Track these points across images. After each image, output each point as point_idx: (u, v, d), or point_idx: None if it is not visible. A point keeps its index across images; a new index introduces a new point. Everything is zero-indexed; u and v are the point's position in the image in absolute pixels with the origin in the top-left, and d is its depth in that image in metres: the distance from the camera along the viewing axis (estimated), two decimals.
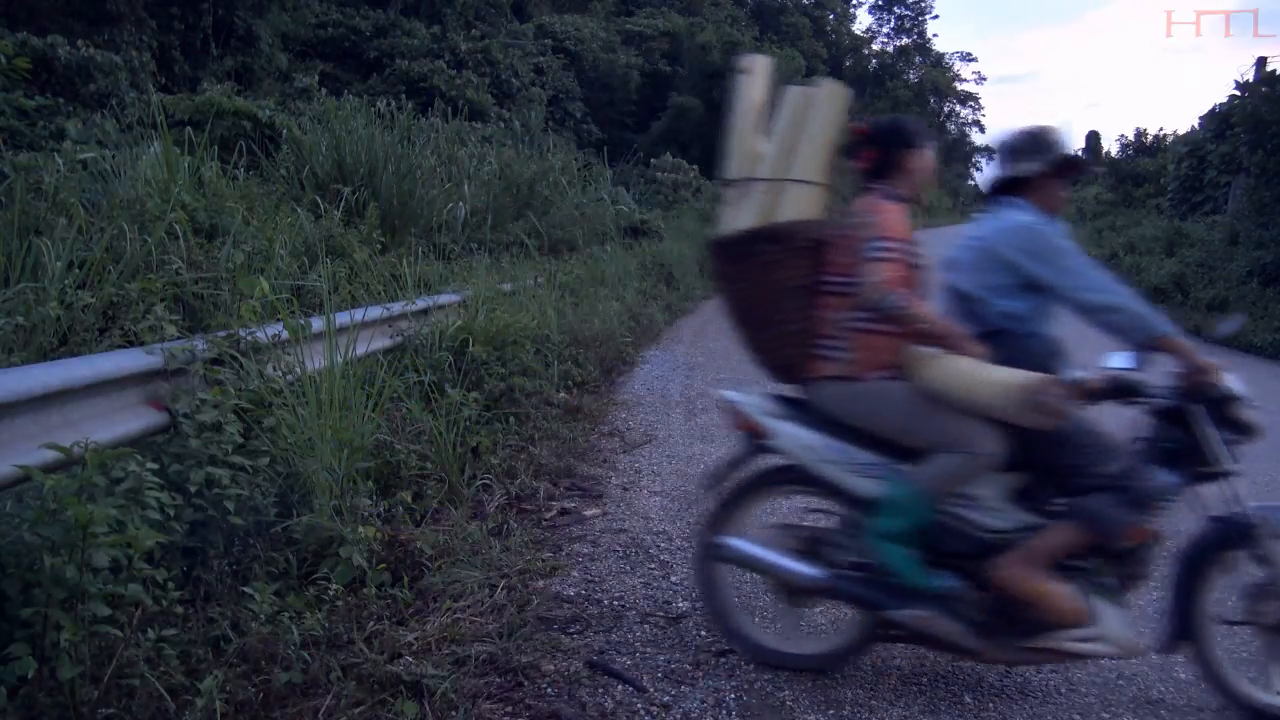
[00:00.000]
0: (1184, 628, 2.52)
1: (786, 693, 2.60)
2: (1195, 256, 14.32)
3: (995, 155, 2.70)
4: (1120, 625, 2.43)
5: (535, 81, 22.94)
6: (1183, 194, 19.59)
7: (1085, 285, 2.40)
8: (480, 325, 5.58)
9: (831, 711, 2.51)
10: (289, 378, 3.49)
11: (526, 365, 5.52)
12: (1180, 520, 2.60)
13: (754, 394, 2.70)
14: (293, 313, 4.11)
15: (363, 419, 3.55)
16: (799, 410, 2.62)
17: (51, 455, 2.30)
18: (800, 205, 2.56)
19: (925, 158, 2.61)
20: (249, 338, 3.46)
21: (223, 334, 3.43)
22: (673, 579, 3.37)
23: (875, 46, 60.18)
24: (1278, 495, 4.54)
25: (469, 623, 2.79)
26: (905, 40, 61.55)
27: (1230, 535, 2.48)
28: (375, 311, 4.77)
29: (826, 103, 2.62)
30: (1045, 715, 2.55)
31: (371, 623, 2.64)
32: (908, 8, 61.19)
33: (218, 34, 15.12)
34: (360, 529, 2.97)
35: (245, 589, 2.56)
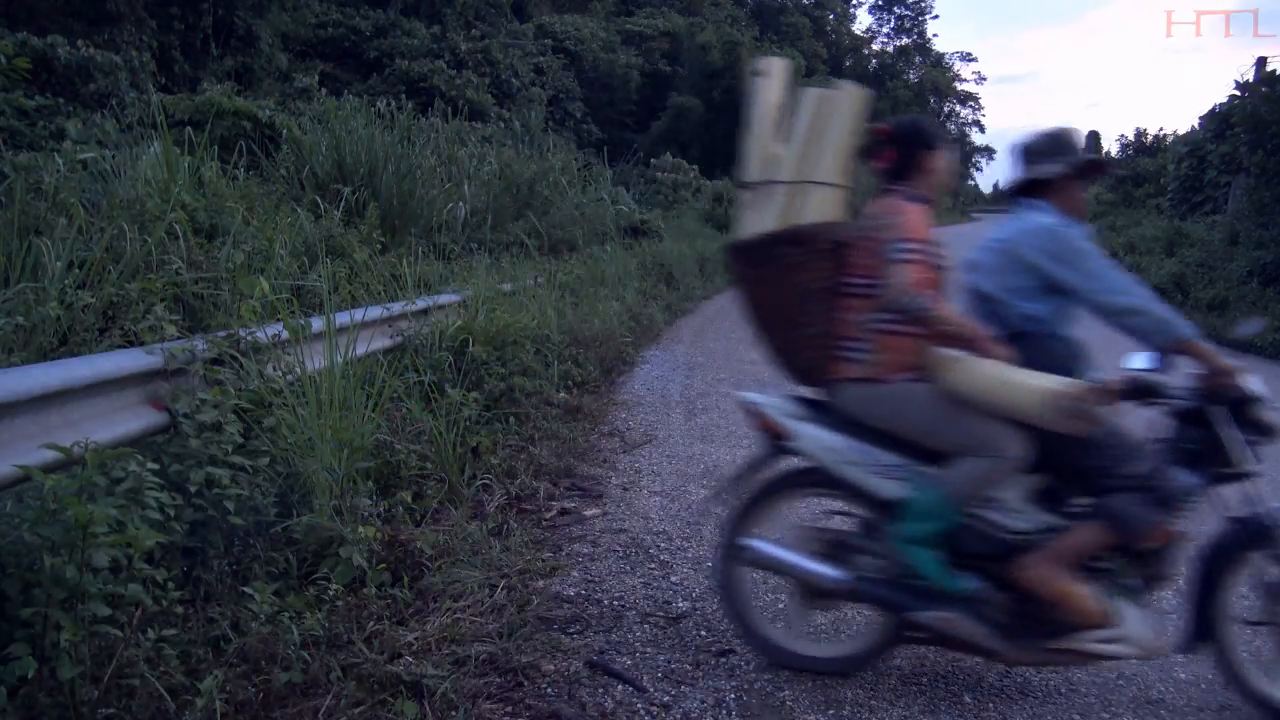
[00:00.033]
0: (1204, 628, 2.52)
1: (786, 693, 2.60)
2: (1195, 256, 14.33)
3: (1015, 157, 2.68)
4: (1142, 626, 2.42)
5: (535, 81, 22.96)
6: (1183, 194, 19.61)
7: (1107, 288, 2.40)
8: (480, 325, 5.58)
9: (831, 711, 2.51)
10: (289, 378, 3.49)
11: (526, 365, 5.52)
12: (1201, 521, 2.59)
13: (775, 396, 2.69)
14: (293, 313, 4.11)
15: (363, 419, 3.55)
16: (820, 412, 2.61)
17: (51, 455, 2.30)
18: (821, 207, 2.54)
19: (944, 158, 2.60)
20: (249, 338, 3.46)
21: (223, 334, 3.43)
22: (673, 579, 3.38)
23: (875, 46, 60.23)
24: None
25: (469, 623, 2.79)
26: (905, 40, 61.58)
27: (1251, 536, 2.48)
28: (375, 311, 4.77)
29: (846, 104, 2.61)
30: (1045, 715, 2.55)
31: (371, 623, 2.64)
32: (908, 8, 61.21)
33: (218, 34, 15.13)
34: (360, 529, 2.97)
35: (245, 589, 2.56)
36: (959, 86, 62.56)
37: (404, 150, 8.92)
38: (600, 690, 2.55)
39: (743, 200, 2.67)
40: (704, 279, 14.22)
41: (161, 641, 2.21)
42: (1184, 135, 23.54)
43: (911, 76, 57.94)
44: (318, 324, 3.92)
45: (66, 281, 3.69)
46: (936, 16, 76.87)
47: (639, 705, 2.48)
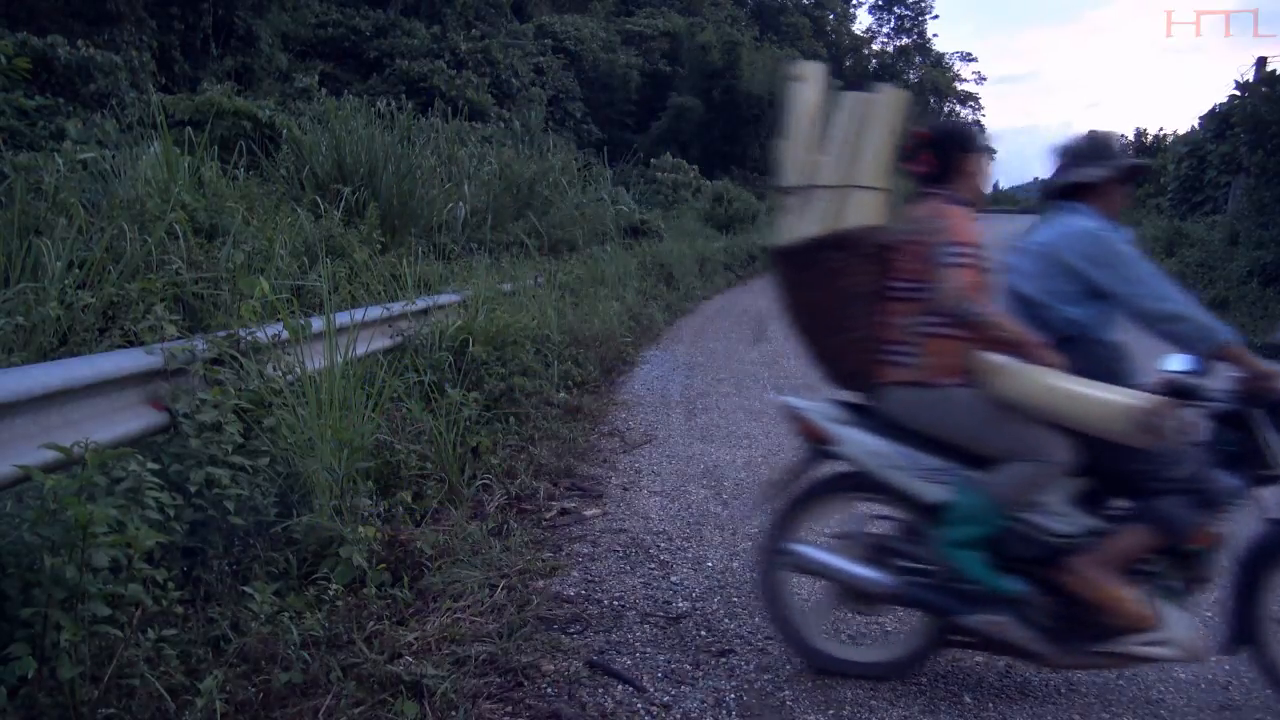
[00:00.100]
0: (1244, 630, 2.52)
1: (786, 693, 2.60)
2: (1195, 256, 14.33)
3: (1055, 160, 2.67)
4: (1185, 629, 2.42)
5: (535, 81, 22.96)
6: (1183, 194, 19.61)
7: (1149, 294, 2.39)
8: (480, 325, 5.57)
9: (831, 711, 2.51)
10: (289, 378, 3.49)
11: (526, 365, 5.52)
12: (1240, 523, 2.59)
13: (818, 400, 2.69)
14: (293, 313, 4.11)
15: (363, 419, 3.55)
16: (863, 416, 2.60)
17: (51, 455, 2.30)
18: (864, 210, 2.54)
19: (983, 161, 2.60)
20: (249, 338, 3.46)
21: (223, 334, 3.43)
22: (673, 579, 3.38)
23: (875, 46, 60.19)
24: None
25: (469, 623, 2.79)
26: (905, 40, 61.55)
27: None
28: (375, 311, 4.77)
29: (886, 107, 2.60)
30: (1045, 715, 2.55)
31: (371, 623, 2.64)
32: (908, 8, 61.18)
33: (218, 34, 15.13)
34: (360, 529, 2.97)
35: (245, 589, 2.56)
36: (959, 86, 62.53)
37: (404, 150, 8.91)
38: (600, 690, 2.55)
39: (782, 205, 2.65)
40: (704, 279, 14.21)
41: (161, 641, 2.22)
42: (1184, 135, 23.53)
43: (911, 76, 57.92)
44: (318, 324, 3.92)
45: (66, 281, 3.68)
46: (936, 16, 76.79)
47: (639, 705, 2.48)
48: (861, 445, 2.54)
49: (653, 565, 3.50)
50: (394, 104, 11.54)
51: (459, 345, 5.27)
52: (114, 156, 5.91)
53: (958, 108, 62.23)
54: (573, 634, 2.87)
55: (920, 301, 2.47)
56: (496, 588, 3.06)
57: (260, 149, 8.48)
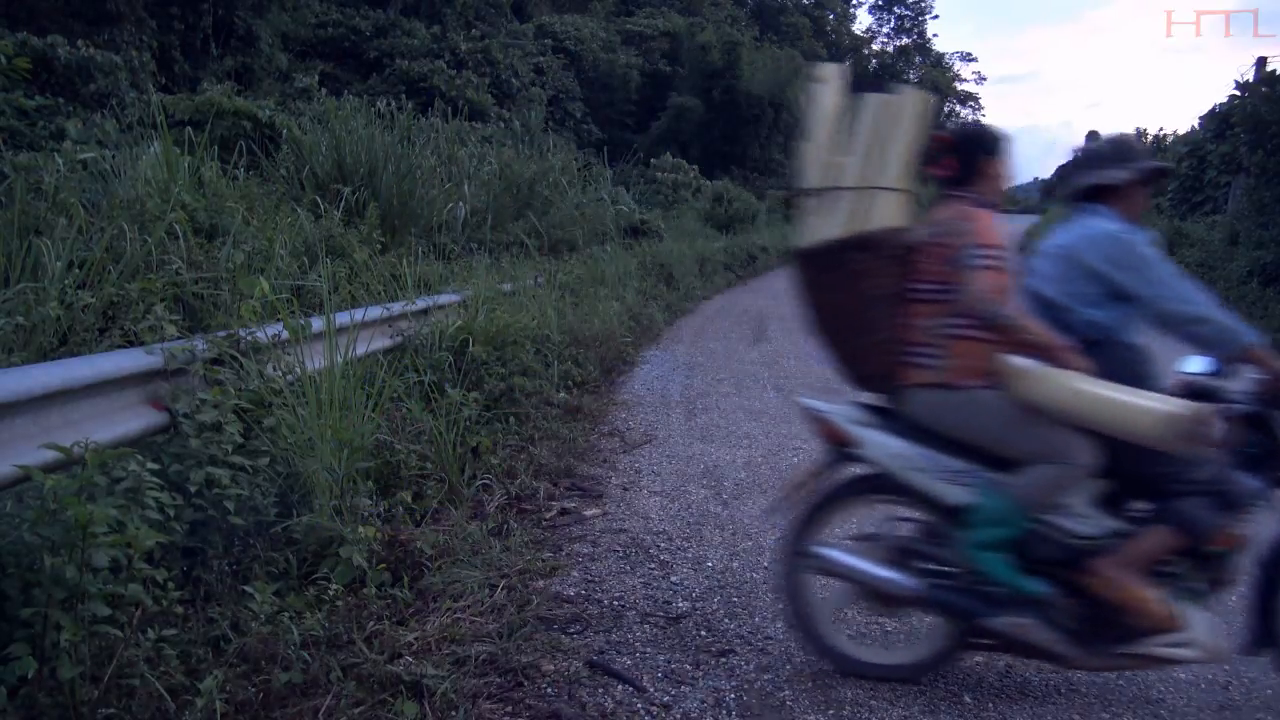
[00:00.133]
0: (1266, 632, 2.53)
1: (786, 693, 2.60)
2: (1195, 256, 14.33)
3: (1078, 162, 2.67)
4: (1208, 630, 2.43)
5: (535, 81, 22.95)
6: (1183, 194, 19.62)
7: (1173, 296, 2.39)
8: (480, 325, 5.57)
9: (831, 711, 2.51)
10: (289, 378, 3.49)
11: (526, 365, 5.52)
12: (1261, 524, 2.59)
13: (840, 403, 2.68)
14: (293, 313, 4.11)
15: (363, 419, 3.55)
16: (885, 418, 2.60)
17: (51, 455, 2.30)
18: (888, 212, 2.53)
19: (1005, 164, 2.60)
20: (249, 338, 3.46)
21: (223, 334, 3.43)
22: (673, 579, 3.38)
23: (875, 46, 60.18)
24: None
25: (469, 623, 2.79)
26: (905, 40, 61.54)
27: None
28: (375, 311, 4.77)
29: (909, 109, 2.60)
30: (1045, 715, 2.55)
31: (371, 623, 2.64)
32: (908, 8, 61.17)
33: (218, 34, 15.12)
34: (360, 529, 2.97)
35: (245, 589, 2.57)
36: (959, 86, 62.51)
37: (404, 150, 8.90)
38: (600, 690, 2.55)
39: (804, 207, 2.64)
40: (704, 279, 14.21)
41: (161, 641, 2.22)
42: (1184, 135, 23.56)
43: (911, 76, 57.91)
44: (318, 324, 3.92)
45: (66, 281, 3.68)
46: (936, 16, 76.77)
47: (639, 705, 2.48)
48: (884, 447, 2.54)
49: (653, 565, 3.50)
50: (394, 104, 11.53)
51: (459, 345, 5.27)
52: (114, 156, 5.91)
53: (958, 107, 62.24)
54: (573, 634, 2.87)
55: (944, 303, 2.48)
56: (496, 588, 3.06)
57: (260, 149, 8.47)
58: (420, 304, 5.57)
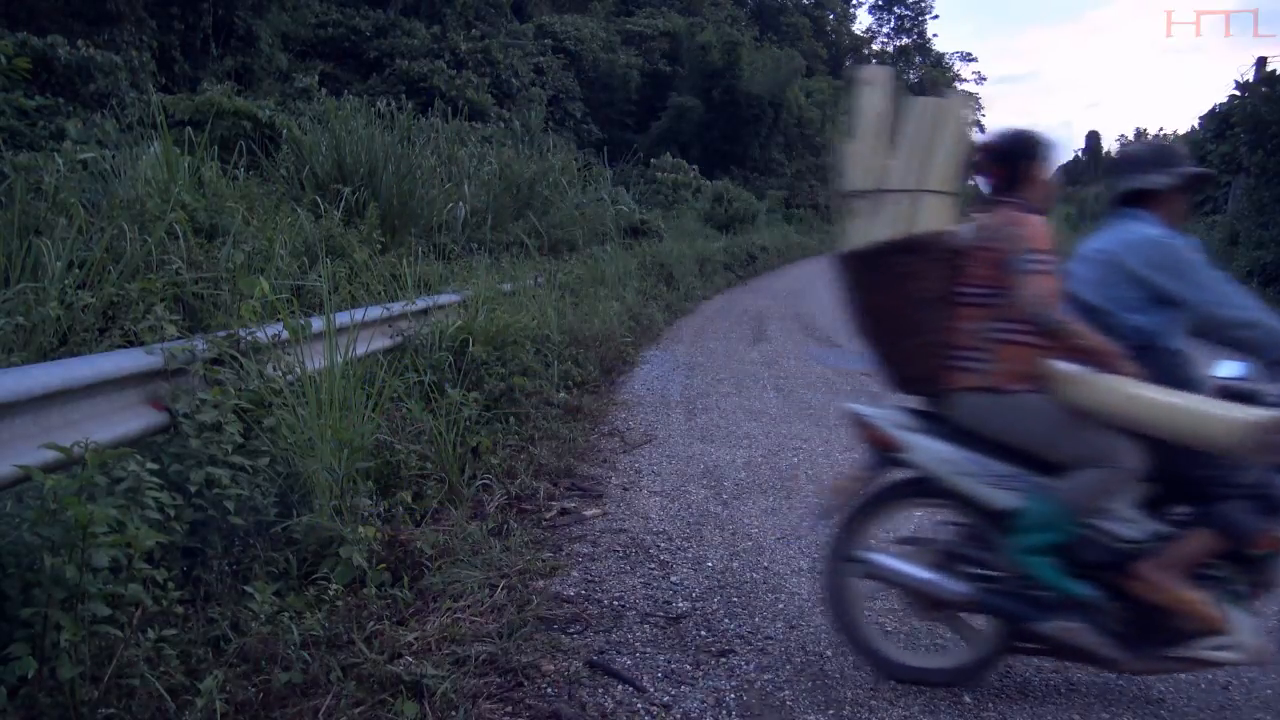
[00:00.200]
0: None
1: (786, 693, 2.60)
2: None
3: (1118, 167, 2.67)
4: (1252, 632, 2.43)
5: (535, 81, 22.96)
6: None
7: (1220, 301, 2.39)
8: (480, 325, 5.57)
9: (831, 711, 2.51)
10: (289, 378, 3.49)
11: (526, 365, 5.52)
12: None
13: (885, 407, 2.67)
14: (293, 313, 4.11)
15: (363, 419, 3.55)
16: (930, 422, 2.60)
17: (51, 455, 2.30)
18: (936, 215, 2.53)
19: (1050, 168, 2.59)
20: (249, 338, 3.46)
21: (223, 334, 3.43)
22: (673, 579, 3.38)
23: (875, 46, 60.25)
24: None
25: (469, 623, 2.79)
26: (905, 40, 61.60)
27: None
28: (375, 311, 4.77)
29: (955, 112, 2.60)
30: (1045, 715, 2.55)
31: (371, 623, 2.64)
32: (908, 8, 61.21)
33: (218, 34, 15.13)
34: (360, 529, 2.97)
35: (245, 589, 2.57)
36: (959, 86, 62.57)
37: (404, 150, 8.91)
38: (600, 690, 2.55)
39: (849, 209, 2.63)
40: (704, 279, 14.23)
41: (161, 641, 2.22)
42: (1184, 135, 23.55)
43: (911, 76, 57.93)
44: (318, 324, 3.92)
45: (66, 281, 3.68)
46: (936, 16, 76.94)
47: (639, 705, 2.48)
48: (931, 452, 2.53)
49: (653, 565, 3.50)
50: (394, 104, 11.53)
51: (459, 345, 5.27)
52: (114, 156, 5.91)
53: None
54: (573, 634, 2.87)
55: (991, 307, 2.47)
56: (496, 588, 3.06)
57: (260, 149, 8.47)
58: (420, 304, 5.57)
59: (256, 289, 3.95)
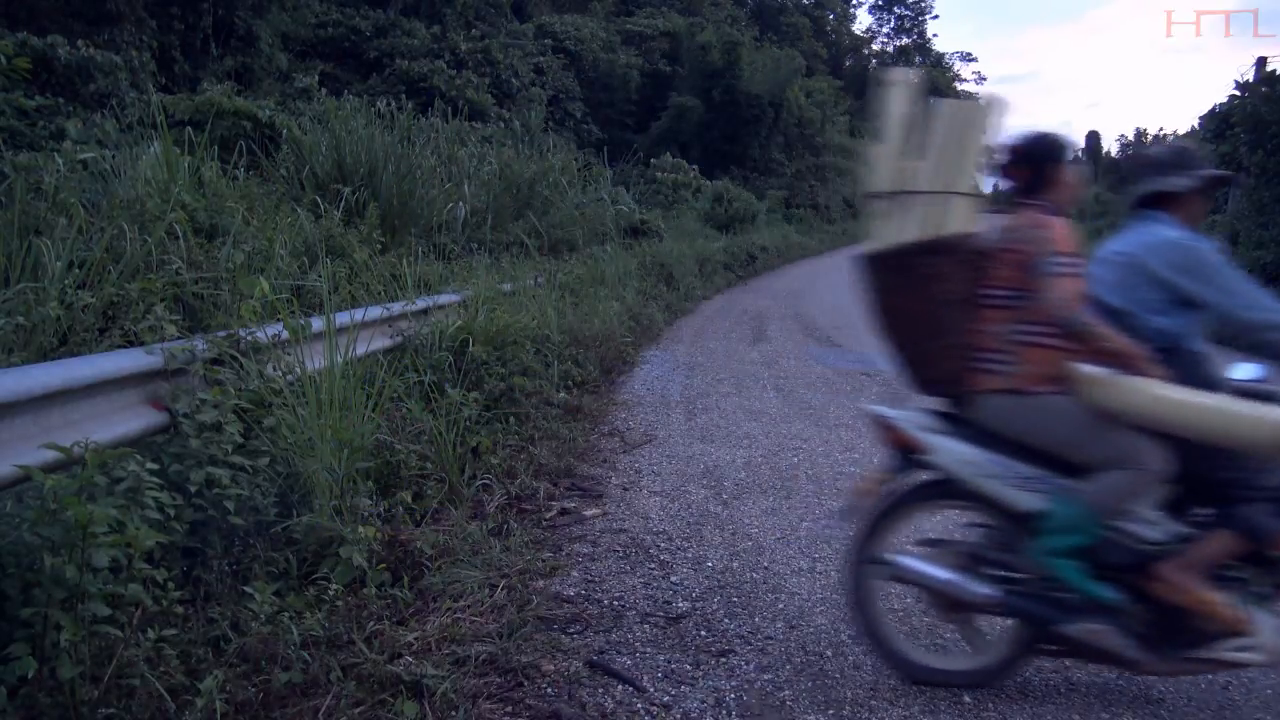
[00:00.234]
0: None
1: (786, 693, 2.60)
2: None
3: (1138, 170, 2.68)
4: (1274, 633, 2.42)
5: (535, 81, 22.96)
6: None
7: (1245, 302, 2.40)
8: (480, 325, 5.57)
9: (831, 711, 2.51)
10: (289, 378, 3.49)
11: (526, 365, 5.52)
12: None
13: (908, 409, 2.67)
14: (293, 313, 4.11)
15: (363, 419, 3.55)
16: (954, 424, 2.59)
17: (51, 455, 2.30)
18: (961, 217, 2.53)
19: (1074, 171, 2.60)
20: (249, 338, 3.46)
21: (223, 334, 3.43)
22: (673, 579, 3.38)
23: (875, 46, 60.26)
24: None
25: (469, 623, 2.79)
26: (905, 40, 61.61)
27: None
28: (375, 311, 4.77)
29: (981, 115, 2.60)
30: (1045, 715, 2.55)
31: (371, 623, 2.64)
32: (908, 8, 61.22)
33: (218, 34, 15.13)
34: (360, 529, 2.97)
35: (245, 589, 2.57)
36: (959, 86, 62.52)
37: (404, 150, 8.91)
38: (600, 690, 2.55)
39: (874, 211, 2.63)
40: (704, 279, 14.22)
41: (161, 641, 2.22)
42: (1184, 135, 23.54)
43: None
44: (318, 324, 3.92)
45: (66, 281, 3.68)
46: (936, 16, 77.05)
47: (639, 705, 2.48)
48: (954, 454, 2.53)
49: (653, 565, 3.50)
50: (394, 104, 11.54)
51: (459, 345, 5.27)
52: (114, 156, 5.91)
53: None
54: (573, 634, 2.87)
55: (1016, 309, 2.47)
56: (496, 588, 3.06)
57: (260, 149, 8.47)
58: (420, 304, 5.57)
59: (256, 289, 3.95)
